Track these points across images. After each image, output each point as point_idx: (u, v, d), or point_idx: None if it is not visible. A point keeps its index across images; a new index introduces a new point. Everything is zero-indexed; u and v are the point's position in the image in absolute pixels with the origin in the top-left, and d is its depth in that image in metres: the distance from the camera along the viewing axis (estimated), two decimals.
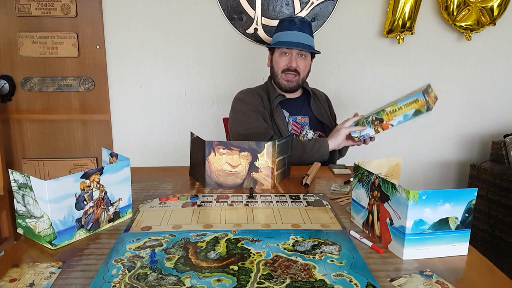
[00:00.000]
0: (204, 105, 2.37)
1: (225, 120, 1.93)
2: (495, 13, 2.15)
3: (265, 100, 1.66)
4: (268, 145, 1.17)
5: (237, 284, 0.70)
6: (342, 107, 2.34)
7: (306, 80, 1.72)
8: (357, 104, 2.35)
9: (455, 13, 2.15)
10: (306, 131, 1.65)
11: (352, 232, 0.91)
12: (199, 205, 1.06)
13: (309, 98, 1.70)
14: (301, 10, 2.22)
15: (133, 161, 1.01)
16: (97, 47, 2.24)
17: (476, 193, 0.80)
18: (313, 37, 1.62)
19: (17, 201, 0.86)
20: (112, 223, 0.95)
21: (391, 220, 0.83)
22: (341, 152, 1.71)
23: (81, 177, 0.86)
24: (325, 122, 1.67)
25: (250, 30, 2.24)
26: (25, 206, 0.85)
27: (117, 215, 0.96)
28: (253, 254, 0.80)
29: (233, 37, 2.26)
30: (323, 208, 1.06)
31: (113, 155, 1.03)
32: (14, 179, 0.85)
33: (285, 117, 1.64)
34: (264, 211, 1.03)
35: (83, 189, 0.87)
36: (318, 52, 1.64)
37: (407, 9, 2.12)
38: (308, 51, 1.59)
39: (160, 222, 0.96)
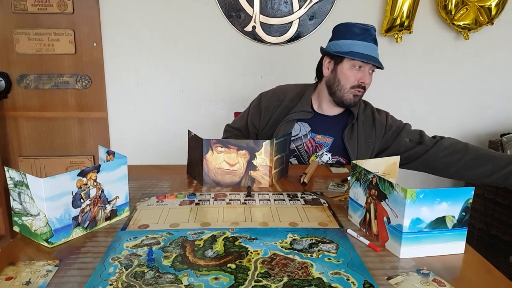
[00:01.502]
0: (202, 103, 2.36)
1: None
2: (493, 12, 2.15)
3: (283, 107, 1.52)
4: (266, 144, 1.17)
5: (234, 282, 0.70)
6: None
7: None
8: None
9: (453, 12, 2.15)
10: (323, 153, 1.50)
11: (349, 231, 0.91)
12: (196, 204, 1.06)
13: (349, 120, 1.50)
14: (299, 8, 2.21)
15: (130, 159, 1.01)
16: (94, 44, 2.23)
17: (473, 192, 0.80)
18: None
19: (13, 199, 0.86)
20: (109, 221, 0.95)
21: (388, 218, 0.83)
22: None
23: (77, 175, 0.85)
24: (348, 150, 1.47)
25: (248, 28, 2.23)
26: (21, 204, 0.85)
27: (114, 213, 0.96)
28: (251, 253, 0.80)
29: (231, 35, 2.25)
30: (321, 206, 1.06)
31: (110, 153, 1.02)
32: (10, 177, 0.84)
33: (299, 131, 1.50)
34: (262, 209, 1.03)
35: (80, 187, 0.86)
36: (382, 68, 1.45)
37: (405, 8, 2.12)
38: (380, 67, 1.42)
39: (157, 220, 0.96)
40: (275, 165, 1.23)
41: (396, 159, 1.09)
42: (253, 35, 2.25)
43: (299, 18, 2.23)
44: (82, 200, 0.87)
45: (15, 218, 0.87)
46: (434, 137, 1.51)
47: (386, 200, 0.83)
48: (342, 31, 1.43)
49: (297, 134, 1.51)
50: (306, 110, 1.50)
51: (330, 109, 1.53)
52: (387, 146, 1.51)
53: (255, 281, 0.70)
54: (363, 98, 1.58)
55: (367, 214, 0.90)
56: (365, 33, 1.39)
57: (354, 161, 0.96)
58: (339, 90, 1.44)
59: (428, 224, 0.79)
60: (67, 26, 2.20)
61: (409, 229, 0.79)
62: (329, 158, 1.50)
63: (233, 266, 0.75)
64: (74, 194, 0.85)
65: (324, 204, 1.07)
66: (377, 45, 1.42)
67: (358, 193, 0.94)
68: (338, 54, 1.41)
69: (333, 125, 1.51)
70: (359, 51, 1.38)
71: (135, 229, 0.91)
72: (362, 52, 1.38)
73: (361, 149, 1.48)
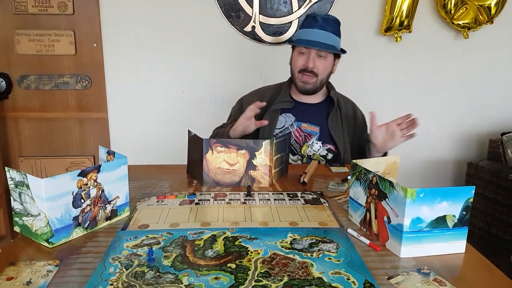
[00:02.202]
0: (202, 103, 2.36)
1: None
2: (493, 11, 2.15)
3: (266, 99, 1.54)
4: (265, 143, 1.17)
5: (234, 282, 0.70)
6: None
7: (335, 88, 1.61)
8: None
9: (452, 11, 2.15)
10: (313, 142, 1.53)
11: (349, 230, 0.91)
12: (196, 203, 1.06)
13: (331, 108, 1.55)
14: (298, 8, 2.21)
15: (130, 159, 1.01)
16: (94, 44, 2.23)
17: (473, 191, 0.80)
18: (339, 36, 1.51)
19: (14, 199, 0.86)
20: (109, 221, 0.95)
21: (388, 218, 0.83)
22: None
23: (78, 175, 0.86)
24: (335, 139, 1.52)
25: (248, 28, 2.23)
26: (22, 204, 0.85)
27: (114, 213, 0.96)
28: (251, 252, 0.80)
29: (230, 35, 2.25)
30: (321, 206, 1.06)
31: (110, 153, 1.02)
32: (11, 177, 0.85)
33: (285, 122, 1.54)
34: (262, 209, 1.03)
35: (80, 187, 0.86)
36: (343, 52, 1.52)
37: (404, 7, 2.12)
38: (326, 51, 1.46)
39: (157, 220, 0.96)
40: (275, 165, 1.23)
41: (396, 158, 1.09)
42: (253, 35, 2.24)
43: (298, 18, 2.23)
44: (82, 200, 0.87)
45: (16, 218, 0.87)
46: None
47: (387, 199, 0.83)
48: (302, 22, 1.54)
49: (283, 126, 1.54)
50: (287, 100, 1.55)
51: (307, 97, 1.57)
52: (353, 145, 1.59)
53: (255, 281, 0.70)
54: (344, 95, 1.66)
55: (368, 213, 0.90)
56: (312, 20, 1.47)
57: (354, 161, 0.96)
58: (293, 76, 1.54)
59: (428, 224, 0.79)
60: (67, 27, 2.20)
61: (409, 228, 0.79)
62: (320, 146, 1.53)
63: (233, 266, 0.75)
64: (74, 194, 0.85)
65: (324, 204, 1.07)
66: (328, 30, 1.46)
67: (358, 192, 0.94)
68: (289, 43, 1.54)
69: (317, 112, 1.56)
70: (303, 37, 1.46)
71: (135, 229, 0.91)
72: (305, 38, 1.46)
73: (345, 138, 1.54)
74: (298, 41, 1.47)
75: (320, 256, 0.80)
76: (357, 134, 1.61)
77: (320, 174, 1.34)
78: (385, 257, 0.81)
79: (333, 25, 1.49)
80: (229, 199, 1.09)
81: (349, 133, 1.58)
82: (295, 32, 1.57)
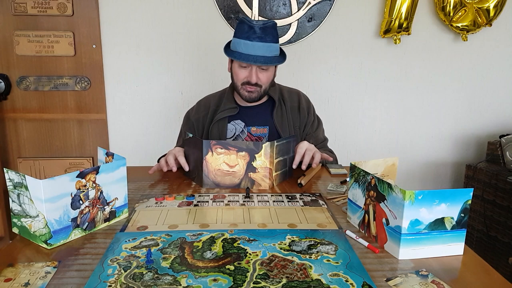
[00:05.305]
0: None
1: None
2: (491, 14, 2.16)
3: (211, 112, 1.54)
4: (266, 146, 1.17)
5: (233, 284, 0.70)
6: (338, 107, 2.34)
7: (277, 83, 1.58)
8: (353, 105, 2.36)
9: (451, 14, 2.16)
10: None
11: (348, 232, 0.91)
12: (195, 205, 1.06)
13: (274, 105, 1.52)
14: (298, 10, 2.22)
15: (129, 160, 1.01)
16: (94, 46, 2.23)
17: (472, 193, 0.80)
18: (277, 41, 1.42)
19: (13, 201, 0.86)
20: (108, 222, 0.95)
21: (387, 220, 0.83)
22: None
23: (77, 177, 0.86)
24: (281, 135, 1.48)
25: None
26: (20, 206, 0.85)
27: (113, 214, 0.96)
28: (250, 254, 0.80)
29: (229, 36, 2.25)
30: (320, 208, 1.06)
31: (109, 154, 1.02)
32: (10, 178, 0.84)
33: (235, 130, 1.50)
34: (261, 211, 1.03)
35: (79, 189, 0.86)
36: (283, 58, 1.45)
37: (403, 10, 2.12)
38: (268, 65, 1.41)
39: (156, 221, 0.96)
40: (276, 168, 1.22)
41: (395, 160, 1.09)
42: None
43: (297, 20, 2.23)
44: (81, 202, 0.87)
45: (14, 220, 0.87)
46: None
47: (385, 201, 0.83)
48: (236, 28, 1.43)
49: (234, 134, 1.51)
50: (231, 106, 1.51)
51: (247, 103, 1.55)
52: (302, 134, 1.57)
53: (253, 283, 0.70)
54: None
55: (366, 215, 0.90)
56: (250, 31, 1.36)
57: (352, 162, 0.96)
58: (235, 87, 1.48)
59: (427, 226, 0.79)
60: (66, 28, 2.20)
61: (408, 230, 0.79)
62: None
63: (232, 267, 0.75)
64: (73, 195, 0.85)
65: (323, 206, 1.07)
66: (267, 40, 1.37)
67: (357, 194, 0.94)
68: (226, 55, 1.44)
69: (263, 113, 1.52)
70: (242, 51, 1.37)
71: (134, 231, 0.91)
72: (244, 52, 1.37)
73: (292, 131, 1.51)
74: (238, 56, 1.38)
75: (318, 258, 0.80)
76: (310, 124, 1.56)
77: (319, 176, 1.34)
78: (384, 259, 0.81)
79: (271, 34, 1.39)
80: (228, 201, 1.09)
81: (300, 125, 1.55)
82: (232, 38, 1.46)
